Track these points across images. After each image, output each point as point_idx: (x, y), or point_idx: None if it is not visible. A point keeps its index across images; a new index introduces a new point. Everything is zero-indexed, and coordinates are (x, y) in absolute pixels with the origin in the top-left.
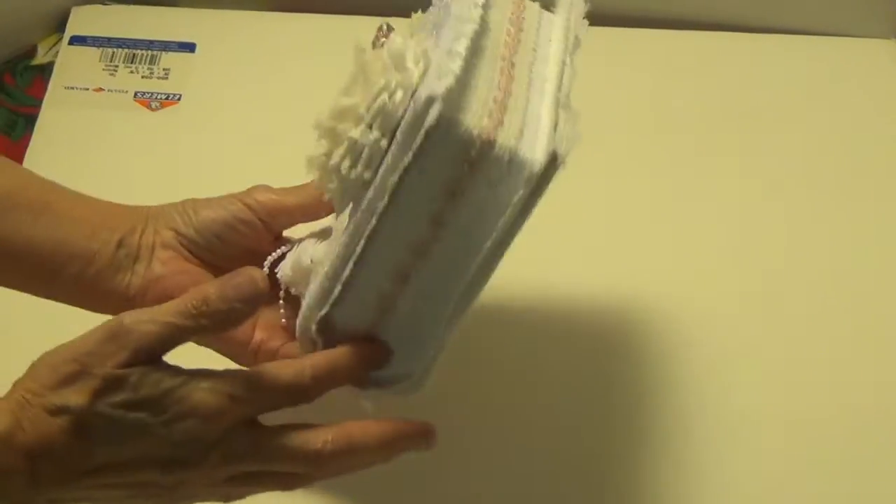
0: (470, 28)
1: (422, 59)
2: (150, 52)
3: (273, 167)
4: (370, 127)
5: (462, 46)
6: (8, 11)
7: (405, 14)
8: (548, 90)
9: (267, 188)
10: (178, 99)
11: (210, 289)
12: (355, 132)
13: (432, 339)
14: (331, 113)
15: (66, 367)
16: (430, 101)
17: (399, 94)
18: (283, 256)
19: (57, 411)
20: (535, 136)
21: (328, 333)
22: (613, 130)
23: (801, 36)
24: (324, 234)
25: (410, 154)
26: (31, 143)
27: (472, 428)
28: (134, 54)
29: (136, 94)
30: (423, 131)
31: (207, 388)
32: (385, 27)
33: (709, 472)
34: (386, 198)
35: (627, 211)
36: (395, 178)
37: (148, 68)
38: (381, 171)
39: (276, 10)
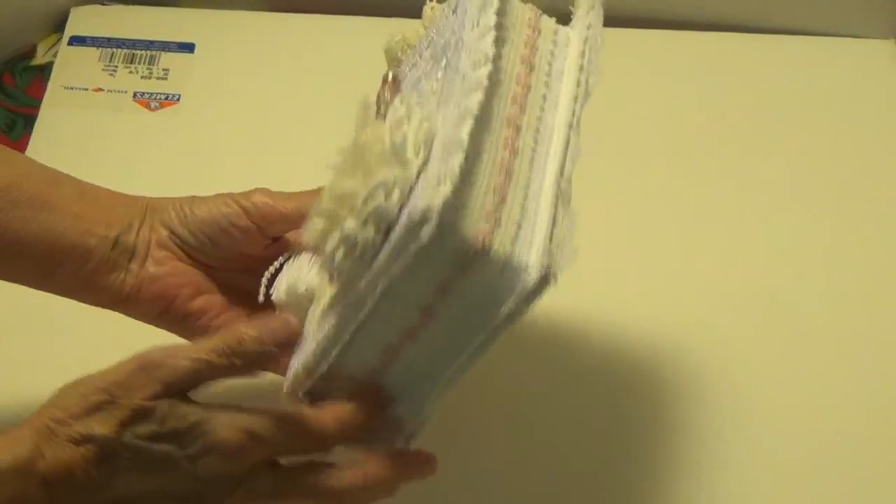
0: (475, 101)
1: (422, 148)
2: (149, 52)
3: (272, 167)
4: (365, 222)
5: (465, 132)
6: (7, 11)
7: (404, 15)
8: (550, 171)
9: (265, 192)
10: (178, 99)
11: (246, 330)
12: (350, 224)
13: (421, 404)
14: (329, 196)
15: (95, 396)
16: (425, 215)
17: (396, 194)
18: (280, 268)
19: (81, 440)
20: (532, 238)
21: (315, 397)
22: (612, 131)
23: (801, 36)
24: None
25: (402, 263)
26: (31, 144)
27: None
28: (133, 54)
29: (135, 95)
30: (416, 245)
31: (233, 425)
32: (390, 78)
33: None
34: (377, 295)
35: (623, 212)
36: (385, 281)
37: (147, 68)
38: (373, 267)
39: (276, 11)
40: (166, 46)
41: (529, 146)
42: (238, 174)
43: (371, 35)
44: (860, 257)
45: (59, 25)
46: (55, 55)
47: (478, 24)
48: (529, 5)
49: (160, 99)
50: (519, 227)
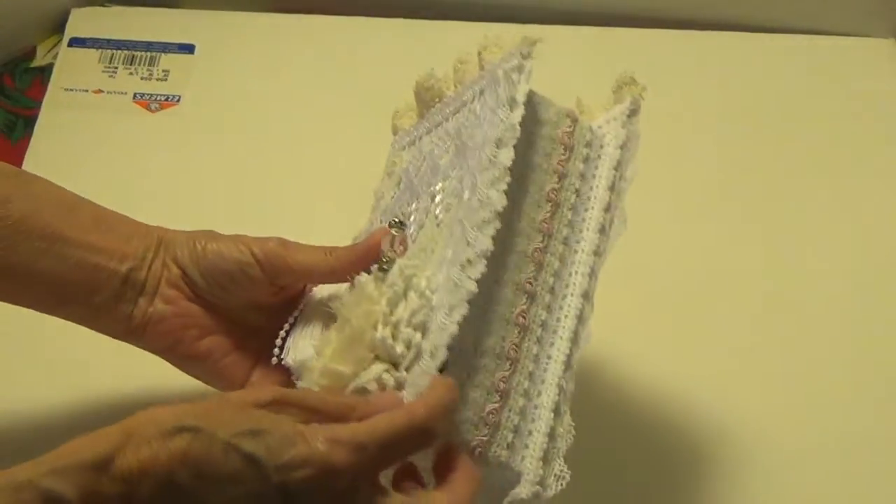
0: (469, 288)
1: (414, 341)
2: (149, 53)
3: (272, 168)
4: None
5: (449, 334)
6: (7, 13)
7: (404, 14)
8: (556, 359)
9: (279, 242)
10: (178, 100)
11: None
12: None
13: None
14: (322, 371)
15: (212, 399)
16: None
17: (387, 386)
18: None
19: (171, 433)
20: (525, 451)
21: None
22: None
23: (801, 36)
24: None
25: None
26: (31, 145)
27: None
28: (133, 56)
29: (135, 96)
30: None
31: (328, 438)
32: (396, 224)
33: None
34: None
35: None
36: None
37: (147, 70)
38: None
39: (276, 12)
40: (166, 48)
41: (540, 319)
42: (238, 175)
43: (372, 35)
44: (861, 257)
45: (59, 27)
46: (55, 57)
47: (492, 159)
48: (567, 112)
49: (160, 100)
50: (515, 432)
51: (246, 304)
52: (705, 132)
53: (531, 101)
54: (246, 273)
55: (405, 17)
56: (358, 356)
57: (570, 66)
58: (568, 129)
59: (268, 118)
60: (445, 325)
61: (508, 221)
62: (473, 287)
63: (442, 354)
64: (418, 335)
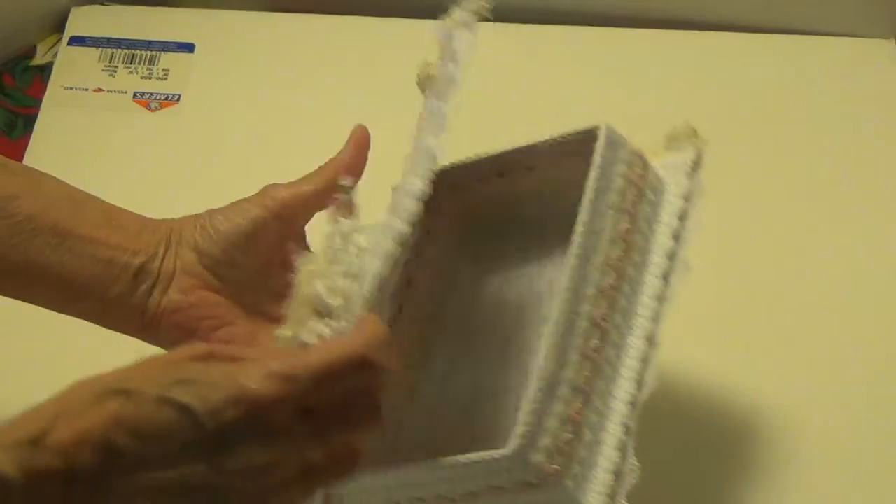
0: (376, 273)
1: (349, 298)
2: (149, 52)
3: (272, 167)
4: None
5: (368, 289)
6: (7, 11)
7: (403, 14)
8: (621, 398)
9: (278, 186)
10: (177, 99)
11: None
12: None
13: None
14: (274, 340)
15: (148, 360)
16: None
17: (329, 334)
18: None
19: (103, 398)
20: (590, 484)
21: None
22: None
23: (801, 36)
24: None
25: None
26: (30, 144)
27: None
28: (133, 55)
29: (135, 95)
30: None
31: (259, 374)
32: (342, 188)
33: None
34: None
35: None
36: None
37: (147, 69)
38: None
39: (276, 11)
40: (166, 46)
41: (608, 357)
42: (238, 174)
43: (370, 35)
44: (860, 258)
45: (58, 25)
46: (55, 55)
47: (433, 111)
48: (637, 153)
49: (160, 99)
50: (582, 466)
51: (267, 281)
52: (704, 132)
53: (611, 140)
54: (260, 227)
55: (405, 17)
56: (299, 315)
57: (571, 66)
58: (640, 172)
59: (268, 118)
60: (377, 268)
61: (587, 255)
62: (405, 228)
63: (370, 295)
64: (355, 285)
